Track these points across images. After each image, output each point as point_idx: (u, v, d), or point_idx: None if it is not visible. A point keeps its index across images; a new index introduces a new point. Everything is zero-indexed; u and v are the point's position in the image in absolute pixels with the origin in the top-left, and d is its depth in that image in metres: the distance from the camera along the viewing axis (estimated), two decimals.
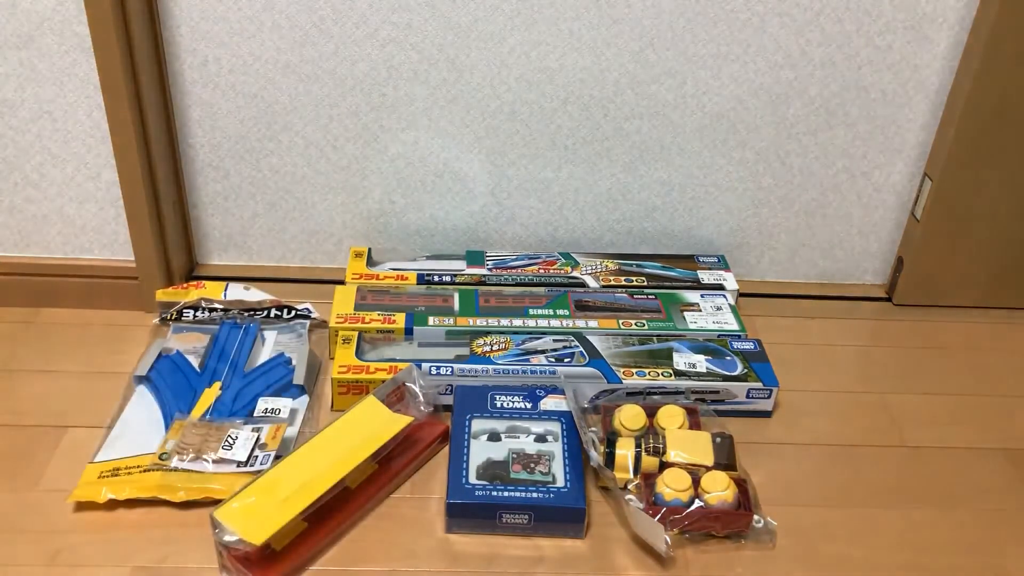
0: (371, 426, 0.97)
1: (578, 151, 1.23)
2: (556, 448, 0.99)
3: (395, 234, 1.29)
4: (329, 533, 0.91)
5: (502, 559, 0.91)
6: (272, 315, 1.18)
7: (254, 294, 1.20)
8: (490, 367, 1.07)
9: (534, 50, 1.15)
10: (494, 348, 1.11)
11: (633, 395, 1.07)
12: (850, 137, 1.22)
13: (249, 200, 1.25)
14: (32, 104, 1.11)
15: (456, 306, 1.17)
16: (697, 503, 0.92)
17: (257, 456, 0.96)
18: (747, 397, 1.08)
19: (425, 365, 1.07)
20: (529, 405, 1.03)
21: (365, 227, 1.28)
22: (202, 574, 0.88)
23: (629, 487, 0.95)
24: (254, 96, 1.17)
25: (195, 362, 1.11)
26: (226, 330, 1.15)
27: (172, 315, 1.17)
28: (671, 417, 1.01)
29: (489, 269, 1.24)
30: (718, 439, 0.98)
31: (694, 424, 1.02)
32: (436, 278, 1.22)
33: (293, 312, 1.19)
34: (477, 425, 1.01)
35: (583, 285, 1.23)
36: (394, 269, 1.24)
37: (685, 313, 1.18)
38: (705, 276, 1.25)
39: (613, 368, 1.08)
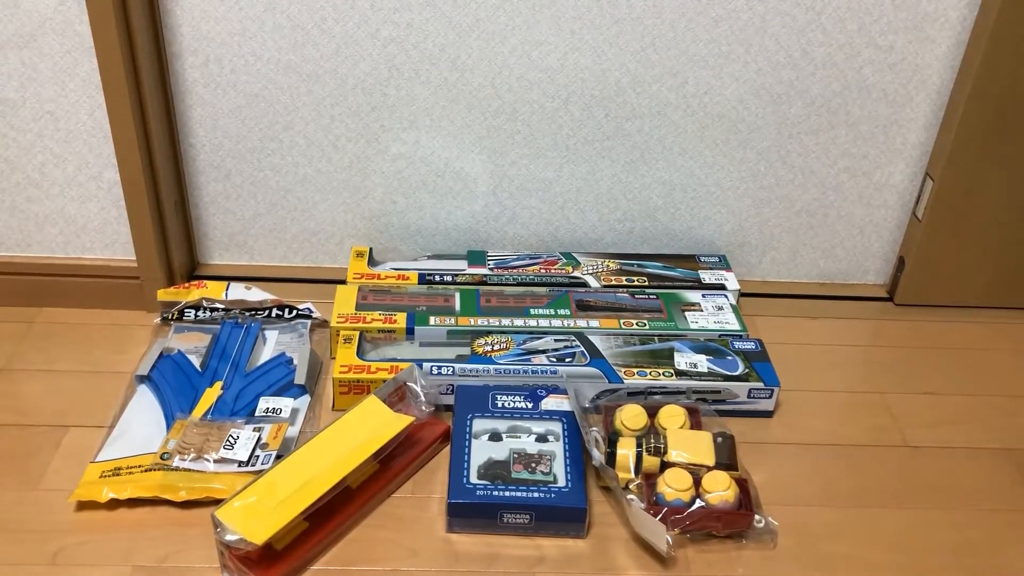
0: (372, 426, 0.97)
1: (579, 151, 1.23)
2: (557, 448, 0.99)
3: (396, 234, 1.29)
4: (330, 533, 0.91)
5: (503, 559, 0.91)
6: (273, 315, 1.18)
7: (255, 294, 1.20)
8: (491, 367, 1.07)
9: (535, 50, 1.15)
10: (495, 348, 1.11)
11: (634, 395, 1.07)
12: (851, 137, 1.22)
13: (250, 200, 1.25)
14: (34, 104, 1.11)
15: (457, 306, 1.17)
16: (698, 503, 0.91)
17: (258, 456, 0.96)
18: (748, 397, 1.08)
19: (426, 365, 1.07)
20: (530, 405, 1.03)
21: (366, 227, 1.28)
22: (203, 574, 0.88)
23: (630, 487, 0.95)
24: (255, 96, 1.17)
25: (196, 362, 1.11)
26: (227, 330, 1.15)
27: (174, 315, 1.17)
28: (672, 417, 1.01)
29: (490, 269, 1.24)
30: (719, 439, 0.98)
31: (695, 424, 1.02)
32: (437, 278, 1.22)
33: (294, 312, 1.19)
34: (478, 425, 1.01)
35: (584, 285, 1.23)
36: (395, 269, 1.24)
37: (686, 313, 1.18)
38: (706, 276, 1.25)
39: (614, 368, 1.08)
